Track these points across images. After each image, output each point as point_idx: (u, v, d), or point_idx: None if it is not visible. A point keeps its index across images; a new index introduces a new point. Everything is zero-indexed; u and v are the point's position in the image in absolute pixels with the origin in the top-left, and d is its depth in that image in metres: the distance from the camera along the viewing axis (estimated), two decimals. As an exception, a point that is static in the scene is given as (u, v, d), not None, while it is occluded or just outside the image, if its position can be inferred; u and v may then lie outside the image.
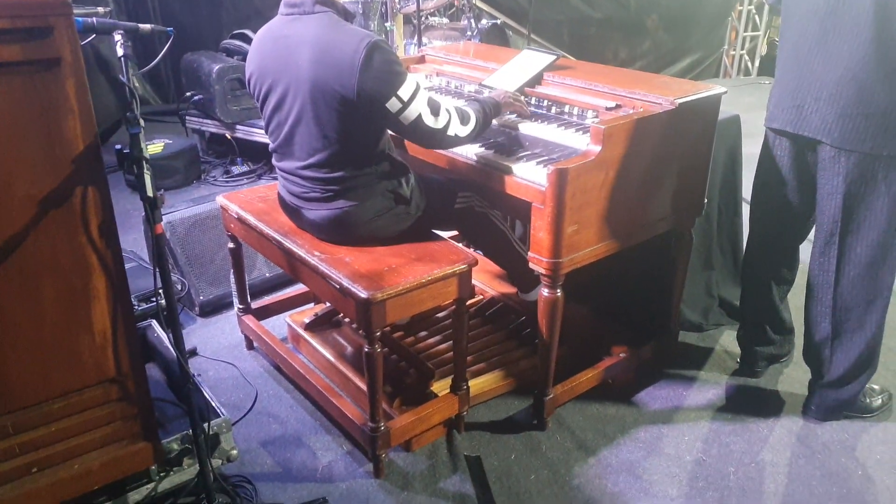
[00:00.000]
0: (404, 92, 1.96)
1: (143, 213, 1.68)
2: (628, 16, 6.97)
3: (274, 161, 2.26)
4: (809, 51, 2.05)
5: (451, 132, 2.08)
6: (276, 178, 2.36)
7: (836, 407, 2.38)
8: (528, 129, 2.34)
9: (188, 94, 4.67)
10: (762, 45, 7.53)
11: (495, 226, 2.40)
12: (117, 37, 1.65)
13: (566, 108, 2.38)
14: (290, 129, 2.09)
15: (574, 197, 1.97)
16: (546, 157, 2.17)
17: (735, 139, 2.83)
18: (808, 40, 2.06)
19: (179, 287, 3.01)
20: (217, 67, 4.36)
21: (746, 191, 2.99)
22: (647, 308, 2.66)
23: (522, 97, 2.46)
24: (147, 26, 1.71)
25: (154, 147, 4.39)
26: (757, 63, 7.54)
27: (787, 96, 2.15)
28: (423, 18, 4.30)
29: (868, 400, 2.43)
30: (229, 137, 4.64)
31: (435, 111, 2.03)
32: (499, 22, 4.84)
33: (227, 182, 4.56)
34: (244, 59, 4.55)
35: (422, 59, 3.06)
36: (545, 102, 2.44)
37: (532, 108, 2.45)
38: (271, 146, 2.23)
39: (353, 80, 1.90)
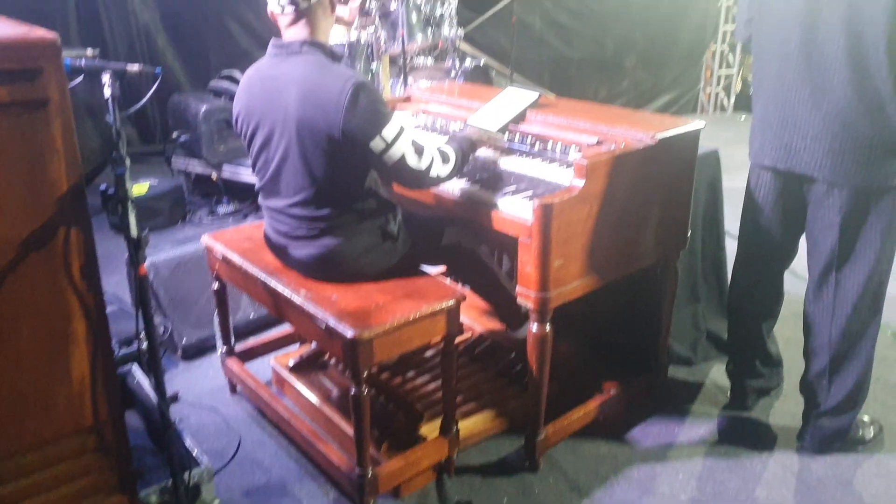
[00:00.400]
0: (388, 132, 1.98)
1: (127, 255, 1.66)
2: (607, 56, 7.12)
3: (260, 200, 2.26)
4: (789, 92, 2.10)
5: (433, 173, 2.09)
6: (262, 218, 2.35)
7: (831, 437, 2.37)
8: (512, 164, 2.37)
9: (174, 134, 4.69)
10: (736, 82, 7.70)
11: (482, 262, 2.40)
12: (105, 78, 1.66)
13: (549, 145, 2.40)
14: (276, 167, 2.10)
15: (560, 231, 1.97)
16: (531, 192, 2.18)
17: (715, 173, 2.86)
18: (786, 82, 2.11)
19: (162, 330, 2.97)
20: (204, 108, 4.39)
21: (728, 223, 3.03)
22: (637, 342, 2.66)
23: (506, 137, 2.48)
24: (135, 67, 1.71)
25: (139, 188, 4.37)
26: (732, 100, 7.70)
27: (772, 135, 2.19)
28: (408, 59, 4.36)
29: (861, 432, 2.42)
30: (215, 178, 4.64)
31: (419, 151, 2.05)
32: (482, 63, 4.92)
33: (212, 222, 4.54)
34: (232, 100, 4.60)
35: (408, 99, 3.10)
36: (529, 139, 2.46)
37: (516, 145, 2.47)
38: (258, 185, 2.23)
39: (338, 120, 1.92)
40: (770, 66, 2.18)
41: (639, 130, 2.21)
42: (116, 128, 1.57)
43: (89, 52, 1.93)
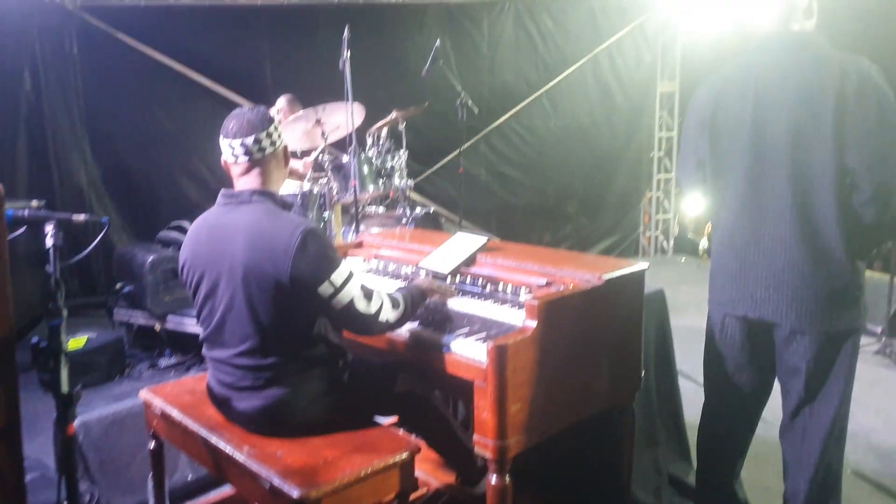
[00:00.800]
0: (337, 277, 1.97)
1: (55, 415, 1.54)
2: (549, 203, 7.46)
3: (204, 350, 2.18)
4: (748, 245, 2.18)
5: (382, 318, 2.07)
6: (205, 370, 2.26)
7: None
8: (464, 305, 2.36)
9: (118, 285, 4.59)
10: (674, 226, 8.11)
11: (437, 410, 2.32)
12: (48, 227, 1.63)
13: (500, 286, 2.42)
14: (221, 316, 2.04)
15: (516, 373, 1.93)
16: (484, 334, 2.16)
17: (662, 312, 2.92)
18: (743, 235, 2.20)
19: (88, 498, 2.72)
20: (151, 258, 4.34)
21: (680, 362, 3.05)
22: (599, 491, 2.55)
23: (458, 279, 2.50)
24: (81, 216, 1.69)
25: (76, 341, 4.19)
26: (671, 242, 8.06)
27: (735, 285, 2.24)
28: (360, 208, 4.46)
29: None
30: (158, 329, 4.51)
31: (368, 296, 2.04)
32: (432, 210, 5.07)
33: (152, 376, 4.34)
34: (179, 249, 4.61)
35: (360, 244, 3.12)
36: (479, 281, 2.48)
37: (468, 287, 2.49)
38: (202, 335, 2.16)
39: (286, 265, 1.91)
40: (727, 219, 2.26)
41: (586, 272, 2.26)
42: (56, 277, 1.52)
43: (34, 203, 1.91)
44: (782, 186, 2.07)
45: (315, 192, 4.58)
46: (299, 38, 6.45)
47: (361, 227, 4.54)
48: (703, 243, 9.83)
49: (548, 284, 2.30)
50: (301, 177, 4.78)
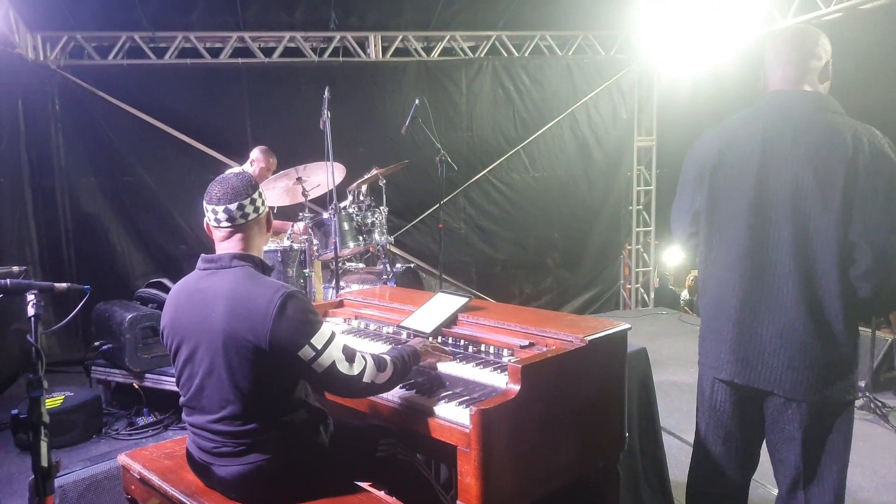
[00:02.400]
0: (318, 340, 1.96)
1: (31, 479, 1.51)
2: (529, 256, 7.53)
3: (184, 416, 2.15)
4: (744, 309, 2.09)
5: (366, 379, 2.05)
6: (184, 429, 2.23)
7: None
8: (447, 368, 2.36)
9: (97, 343, 4.52)
10: (654, 279, 8.20)
11: (420, 475, 2.30)
12: (30, 296, 1.62)
13: (482, 347, 2.43)
14: (200, 381, 2.03)
15: (500, 437, 1.94)
16: (468, 397, 2.17)
17: (645, 370, 2.94)
18: (739, 296, 2.10)
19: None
20: (130, 316, 4.29)
21: (663, 419, 3.05)
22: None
23: (439, 340, 2.51)
24: (63, 285, 1.70)
25: (53, 401, 4.11)
26: (652, 295, 8.14)
27: (727, 348, 2.15)
28: (340, 264, 4.47)
29: None
30: (137, 387, 4.43)
31: (350, 358, 2.03)
32: (412, 265, 5.11)
33: (130, 435, 4.25)
34: (159, 307, 4.57)
35: (340, 304, 3.13)
36: (462, 342, 2.50)
37: (450, 348, 2.49)
38: (182, 400, 2.14)
39: (265, 330, 1.91)
40: (722, 278, 2.16)
41: (568, 332, 2.28)
42: (37, 347, 1.51)
43: (15, 269, 1.91)
44: (784, 251, 2.00)
45: (295, 248, 4.60)
46: (279, 97, 6.57)
47: (342, 284, 4.55)
48: (685, 295, 9.96)
49: (530, 345, 2.32)
50: (280, 233, 4.82)
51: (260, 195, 2.14)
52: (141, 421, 4.37)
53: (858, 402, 4.38)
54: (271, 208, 5.12)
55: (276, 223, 4.96)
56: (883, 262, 1.90)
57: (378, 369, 2.09)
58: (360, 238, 4.67)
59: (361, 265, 5.12)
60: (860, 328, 2.09)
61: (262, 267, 2.12)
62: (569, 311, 7.62)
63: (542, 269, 7.63)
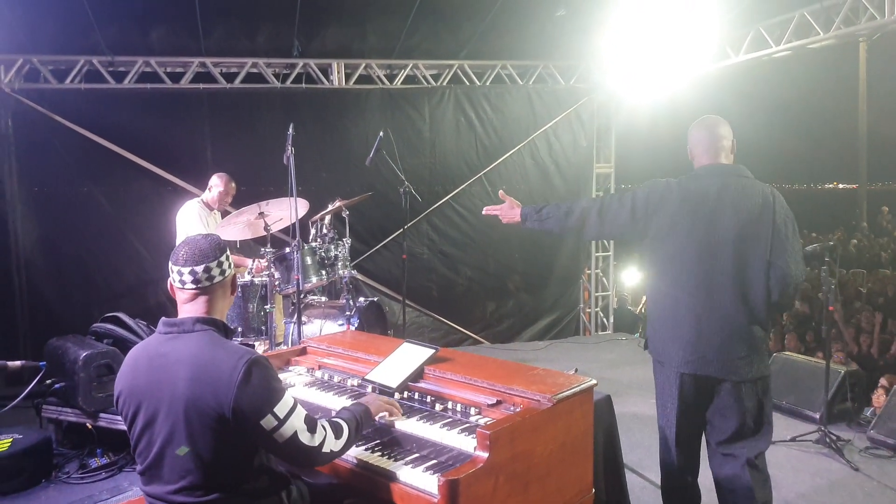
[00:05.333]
0: (280, 409, 1.93)
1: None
2: (491, 280, 7.58)
3: (140, 485, 2.09)
4: (699, 318, 2.77)
5: (326, 449, 2.03)
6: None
7: None
8: (413, 427, 2.34)
9: (48, 381, 4.37)
10: (613, 300, 8.32)
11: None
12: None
13: (449, 405, 2.43)
14: (159, 449, 1.97)
15: (467, 507, 1.93)
16: (434, 461, 2.16)
17: (609, 418, 2.97)
18: (696, 309, 2.77)
19: None
20: (84, 354, 4.17)
21: (625, 453, 3.08)
22: None
23: (405, 395, 2.50)
24: (17, 363, 1.65)
25: (0, 444, 3.96)
26: (612, 319, 8.25)
27: (690, 349, 2.80)
28: (302, 298, 4.43)
29: None
30: (90, 427, 4.30)
31: (312, 428, 2.00)
32: (375, 299, 5.09)
33: (82, 478, 4.12)
34: (115, 343, 4.46)
35: (304, 351, 3.10)
36: (428, 398, 2.49)
37: (416, 404, 2.49)
38: (139, 468, 2.07)
39: (229, 397, 1.87)
40: (678, 295, 2.82)
41: (535, 391, 2.29)
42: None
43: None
44: (728, 274, 2.73)
45: (256, 282, 4.54)
46: (241, 123, 6.52)
47: (304, 318, 4.51)
48: (641, 309, 10.17)
49: (497, 403, 2.33)
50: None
51: (227, 258, 2.11)
52: (94, 462, 4.25)
53: (813, 437, 4.46)
54: (234, 242, 5.08)
55: (234, 258, 4.90)
56: (785, 276, 2.73)
57: (336, 436, 2.07)
58: (323, 272, 4.64)
59: (324, 298, 5.08)
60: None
61: (226, 330, 2.08)
62: (530, 335, 7.70)
63: (503, 293, 7.68)
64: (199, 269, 2.03)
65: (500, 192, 3.28)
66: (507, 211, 3.15)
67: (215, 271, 2.05)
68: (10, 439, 4.06)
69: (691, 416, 2.88)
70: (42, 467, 4.12)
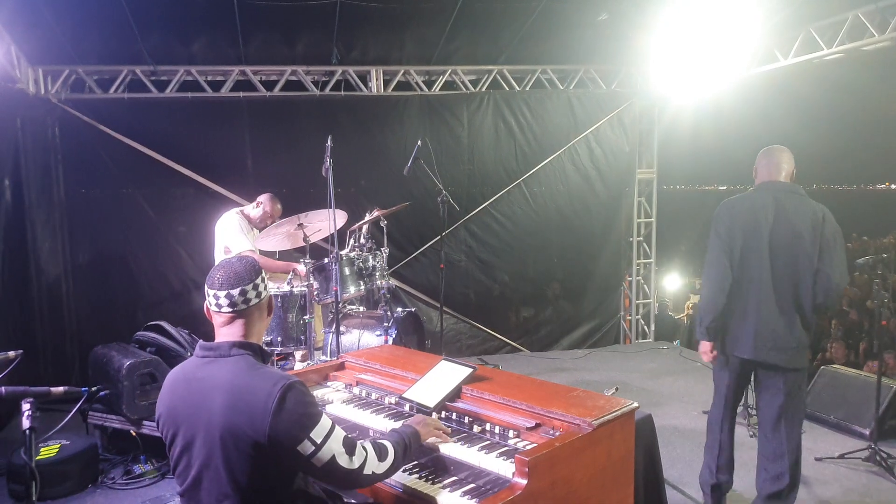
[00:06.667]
0: (317, 433, 1.92)
1: None
2: (529, 287, 7.50)
3: (181, 504, 2.10)
4: (763, 310, 3.30)
5: (367, 471, 2.01)
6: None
7: None
8: (451, 450, 2.31)
9: (94, 388, 4.46)
10: (654, 306, 8.16)
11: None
12: (25, 406, 1.58)
13: (487, 426, 2.39)
14: (197, 472, 1.98)
15: (506, 537, 1.89)
16: (472, 485, 2.13)
17: (651, 438, 2.91)
18: (760, 303, 3.30)
19: None
20: (128, 363, 4.25)
21: (666, 469, 2.99)
22: None
23: (443, 415, 2.46)
24: (59, 389, 1.65)
25: (48, 450, 4.06)
26: (653, 327, 8.09)
27: (749, 337, 3.33)
28: (340, 307, 4.43)
29: None
30: (134, 434, 4.38)
31: (350, 450, 1.98)
32: (413, 310, 5.06)
33: (127, 484, 4.20)
34: (158, 352, 4.53)
35: (342, 366, 3.09)
36: (466, 419, 2.46)
37: (454, 425, 2.45)
38: (178, 490, 2.09)
39: (265, 425, 1.86)
40: (748, 294, 3.34)
41: (575, 416, 2.24)
42: (31, 467, 1.47)
43: (10, 353, 1.87)
44: (784, 279, 3.26)
45: (296, 292, 4.56)
46: (281, 130, 6.57)
47: (342, 328, 4.51)
48: (682, 315, 9.97)
49: (536, 426, 2.29)
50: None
51: (263, 280, 2.10)
52: (138, 469, 4.32)
53: (863, 454, 4.31)
54: (274, 252, 5.11)
55: (281, 264, 4.94)
56: (829, 281, 3.22)
57: (379, 458, 2.05)
58: (361, 282, 4.64)
59: (362, 309, 5.08)
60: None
61: (262, 355, 2.08)
62: (569, 343, 7.61)
63: (542, 301, 7.60)
64: (235, 292, 2.03)
65: None
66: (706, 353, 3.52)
67: (251, 294, 2.05)
68: (59, 445, 4.16)
69: (734, 391, 3.51)
70: (89, 473, 4.21)
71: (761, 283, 3.28)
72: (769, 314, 3.27)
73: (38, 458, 1.56)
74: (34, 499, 1.44)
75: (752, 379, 3.54)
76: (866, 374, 5.05)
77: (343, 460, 1.96)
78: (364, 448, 2.03)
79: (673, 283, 10.84)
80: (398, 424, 2.45)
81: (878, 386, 4.51)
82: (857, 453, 4.34)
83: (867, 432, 4.60)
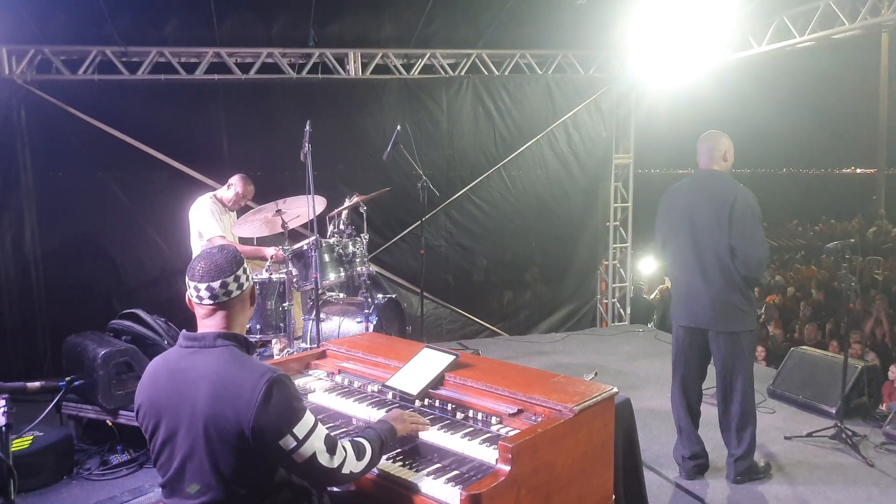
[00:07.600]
0: (300, 430, 1.91)
1: None
2: (508, 272, 7.54)
3: (163, 496, 2.08)
4: (689, 285, 3.80)
5: (346, 470, 2.00)
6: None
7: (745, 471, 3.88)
8: (434, 437, 2.31)
9: (68, 378, 4.39)
10: (630, 292, 8.25)
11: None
12: (0, 402, 1.55)
13: (470, 413, 2.40)
14: (180, 463, 1.96)
15: (490, 523, 1.91)
16: (456, 472, 2.14)
17: (629, 422, 2.94)
18: (689, 281, 3.78)
19: None
20: (103, 352, 4.18)
21: (644, 450, 3.04)
22: None
23: (426, 402, 2.46)
24: (36, 384, 1.62)
25: (20, 442, 3.97)
26: (629, 310, 8.18)
27: (683, 306, 3.85)
28: (320, 294, 4.40)
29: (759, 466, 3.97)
30: (110, 424, 4.32)
31: (332, 449, 1.97)
32: (394, 296, 5.05)
33: (103, 475, 4.15)
34: (133, 340, 4.46)
35: (323, 355, 3.07)
36: (449, 406, 2.46)
37: (437, 412, 2.46)
38: (160, 481, 2.06)
39: (249, 416, 1.85)
40: (679, 272, 3.88)
41: (557, 401, 2.26)
42: (9, 465, 1.44)
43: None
44: (708, 254, 3.70)
45: (274, 279, 4.52)
46: (257, 113, 6.47)
47: (322, 315, 4.49)
48: (655, 295, 10.15)
49: (518, 413, 2.30)
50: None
51: (244, 271, 2.08)
52: (115, 459, 4.27)
53: (829, 432, 4.42)
54: (252, 239, 5.06)
55: (252, 249, 4.89)
56: (747, 258, 3.62)
57: (357, 458, 2.05)
58: (341, 269, 4.61)
59: (342, 295, 5.05)
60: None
61: (247, 346, 2.06)
62: (547, 327, 7.67)
63: (521, 285, 7.64)
64: (216, 284, 2.00)
65: None
66: None
67: (232, 286, 2.03)
68: (31, 437, 4.08)
69: (687, 358, 3.92)
70: (64, 464, 4.14)
71: (689, 260, 3.75)
72: (696, 285, 3.72)
73: (11, 449, 1.54)
74: (13, 497, 1.41)
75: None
76: (833, 355, 5.16)
77: (324, 458, 1.95)
78: (344, 448, 2.02)
79: (648, 266, 10.95)
80: (382, 412, 2.45)
81: (845, 366, 4.63)
82: (824, 431, 4.46)
83: (833, 411, 4.72)
